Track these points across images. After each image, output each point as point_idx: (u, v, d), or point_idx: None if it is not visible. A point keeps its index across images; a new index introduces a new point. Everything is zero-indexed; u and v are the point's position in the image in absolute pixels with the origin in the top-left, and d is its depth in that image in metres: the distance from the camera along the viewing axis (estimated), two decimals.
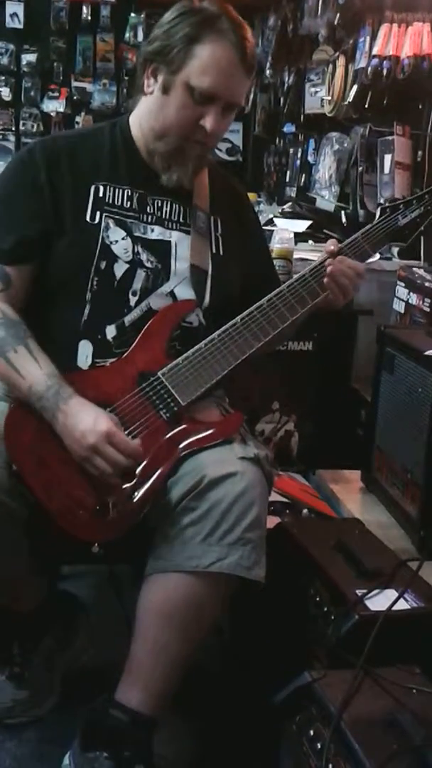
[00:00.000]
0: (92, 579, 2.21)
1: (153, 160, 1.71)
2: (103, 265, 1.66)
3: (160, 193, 1.72)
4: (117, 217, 1.69)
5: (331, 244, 1.73)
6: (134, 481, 1.57)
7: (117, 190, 1.70)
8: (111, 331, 1.66)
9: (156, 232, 1.72)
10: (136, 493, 1.57)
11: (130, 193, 1.71)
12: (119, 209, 1.70)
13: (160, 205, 1.73)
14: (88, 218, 1.67)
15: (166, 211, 1.73)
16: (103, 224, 1.67)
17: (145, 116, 1.70)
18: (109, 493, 1.56)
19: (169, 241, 1.72)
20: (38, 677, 1.83)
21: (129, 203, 1.71)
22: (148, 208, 1.72)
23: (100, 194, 1.69)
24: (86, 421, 1.52)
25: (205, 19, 1.60)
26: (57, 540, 1.56)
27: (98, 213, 1.68)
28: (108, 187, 1.70)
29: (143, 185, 1.72)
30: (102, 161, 1.71)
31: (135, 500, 1.57)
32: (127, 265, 1.68)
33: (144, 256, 1.69)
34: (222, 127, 1.66)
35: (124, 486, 1.56)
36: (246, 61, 1.61)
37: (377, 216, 1.79)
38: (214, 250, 1.76)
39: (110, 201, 1.69)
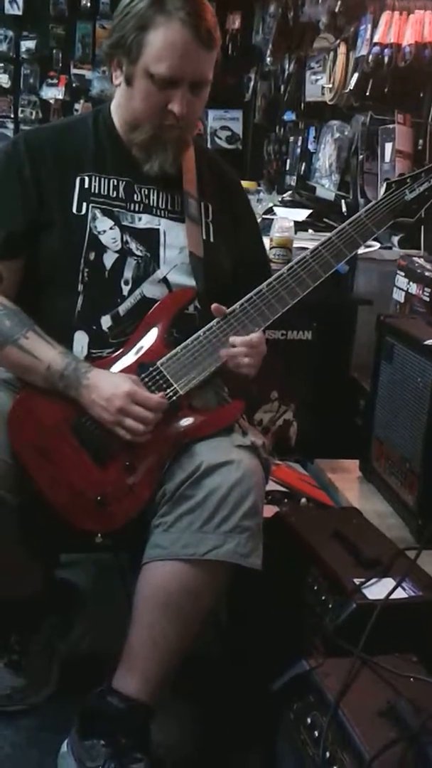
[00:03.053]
0: (91, 567, 2.21)
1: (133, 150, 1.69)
2: (92, 255, 1.66)
3: (146, 181, 1.71)
4: (104, 206, 1.68)
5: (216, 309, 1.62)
6: (135, 470, 1.57)
7: (103, 180, 1.69)
8: (106, 322, 1.66)
9: (144, 221, 1.71)
10: (136, 483, 1.57)
11: (116, 183, 1.70)
12: (106, 199, 1.69)
13: (147, 193, 1.72)
14: (74, 209, 1.67)
15: (153, 199, 1.72)
16: (90, 215, 1.67)
17: (117, 108, 1.70)
18: (109, 482, 1.57)
19: (158, 229, 1.71)
20: (36, 665, 1.83)
21: (115, 193, 1.70)
22: (135, 196, 1.71)
23: (86, 185, 1.68)
24: (108, 388, 1.55)
25: (153, 2, 1.56)
26: (61, 530, 1.57)
27: (84, 204, 1.67)
28: (93, 178, 1.69)
29: (129, 174, 1.71)
30: (86, 152, 1.70)
31: (136, 489, 1.57)
32: (116, 255, 1.67)
33: (133, 245, 1.68)
34: (196, 106, 1.64)
35: (125, 476, 1.57)
36: (201, 37, 1.56)
37: (383, 192, 1.73)
38: (204, 237, 1.74)
39: (96, 191, 1.68)
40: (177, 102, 1.59)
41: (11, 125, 5.51)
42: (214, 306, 1.62)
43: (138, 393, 1.55)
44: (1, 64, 5.41)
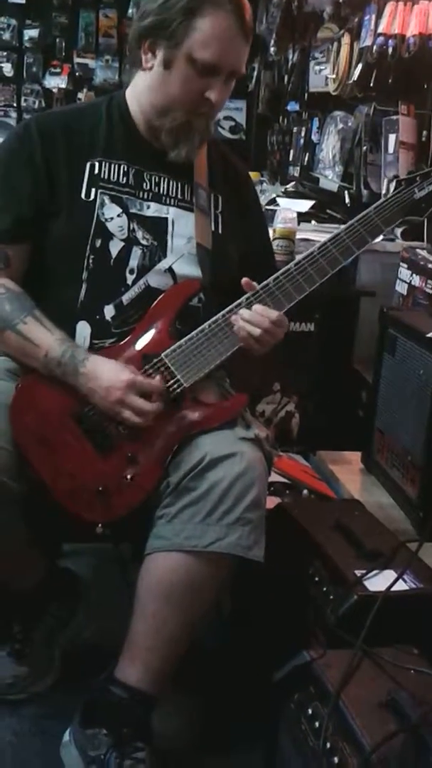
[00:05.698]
0: (94, 556, 2.21)
1: (154, 137, 1.69)
2: (98, 243, 1.65)
3: (157, 169, 1.71)
4: (112, 193, 1.67)
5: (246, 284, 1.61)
6: (138, 462, 1.58)
7: (113, 166, 1.69)
8: (109, 311, 1.66)
9: (152, 209, 1.70)
10: (138, 474, 1.57)
11: (126, 169, 1.69)
12: (114, 185, 1.68)
13: (157, 180, 1.71)
14: (83, 195, 1.66)
15: (163, 187, 1.71)
16: (98, 201, 1.66)
17: (144, 92, 1.68)
18: (111, 473, 1.57)
19: (166, 218, 1.70)
20: (39, 654, 1.85)
21: (125, 179, 1.69)
22: (144, 184, 1.70)
23: (96, 171, 1.67)
24: (107, 377, 1.55)
25: None
26: (61, 519, 1.58)
27: (93, 189, 1.66)
28: (103, 163, 1.68)
29: (140, 161, 1.70)
30: (98, 137, 1.69)
31: (138, 481, 1.57)
32: (122, 243, 1.67)
33: (140, 234, 1.68)
34: (225, 97, 1.64)
35: (128, 467, 1.57)
36: (245, 28, 1.60)
37: (392, 189, 1.72)
38: (213, 228, 1.74)
39: (105, 177, 1.68)
40: (216, 90, 1.60)
41: (14, 114, 5.50)
42: (244, 280, 1.61)
43: (138, 382, 1.55)
44: (4, 53, 5.40)
